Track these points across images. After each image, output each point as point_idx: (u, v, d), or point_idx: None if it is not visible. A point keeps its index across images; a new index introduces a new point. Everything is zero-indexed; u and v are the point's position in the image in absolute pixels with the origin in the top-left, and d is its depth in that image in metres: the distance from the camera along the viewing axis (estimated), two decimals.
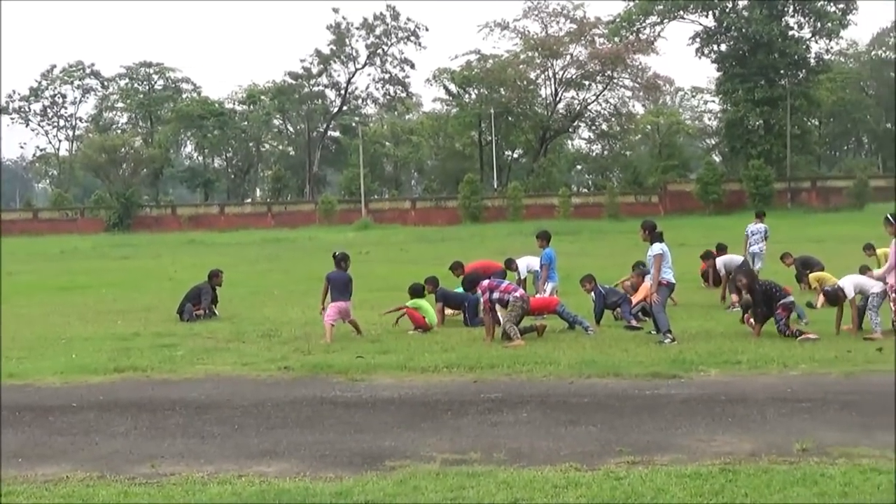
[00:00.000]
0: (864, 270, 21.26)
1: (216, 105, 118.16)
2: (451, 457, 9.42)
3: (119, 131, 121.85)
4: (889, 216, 17.54)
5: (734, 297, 23.07)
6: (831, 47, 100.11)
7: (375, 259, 45.08)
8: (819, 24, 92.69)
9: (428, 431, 10.59)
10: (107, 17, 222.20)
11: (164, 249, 58.88)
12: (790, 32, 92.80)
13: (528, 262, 23.54)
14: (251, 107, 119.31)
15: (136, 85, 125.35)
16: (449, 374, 14.01)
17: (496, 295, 17.51)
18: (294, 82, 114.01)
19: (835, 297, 17.52)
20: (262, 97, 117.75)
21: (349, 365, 14.71)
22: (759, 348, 15.46)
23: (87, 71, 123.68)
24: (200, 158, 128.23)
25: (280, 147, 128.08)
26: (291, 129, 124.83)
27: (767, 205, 79.88)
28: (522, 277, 23.04)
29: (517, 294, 17.59)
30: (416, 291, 19.70)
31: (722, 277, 23.86)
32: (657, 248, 17.19)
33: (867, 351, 14.92)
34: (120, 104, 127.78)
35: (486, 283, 17.92)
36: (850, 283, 17.46)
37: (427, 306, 19.49)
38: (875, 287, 17.21)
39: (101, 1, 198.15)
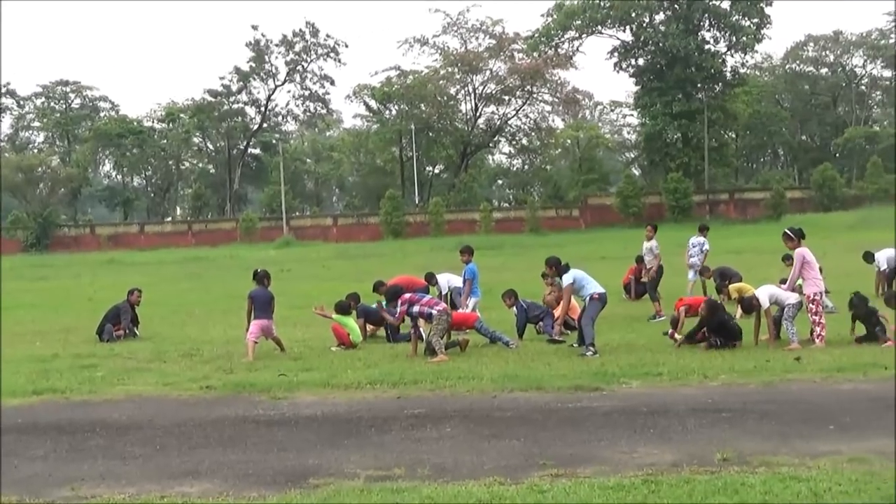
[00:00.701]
0: (783, 282, 21.57)
1: (135, 123, 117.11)
2: (375, 473, 9.39)
3: (36, 150, 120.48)
4: (788, 231, 17.88)
5: (656, 307, 23.34)
6: (746, 61, 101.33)
7: (297, 276, 44.90)
8: (734, 39, 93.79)
9: (351, 448, 10.55)
10: (22, 35, 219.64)
11: (84, 269, 58.19)
12: (706, 47, 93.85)
13: (448, 278, 23.60)
14: (170, 125, 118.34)
15: (52, 104, 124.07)
16: (372, 391, 13.98)
17: (416, 308, 17.51)
18: (213, 100, 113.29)
19: (749, 306, 17.76)
20: (182, 115, 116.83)
21: (272, 383, 14.64)
22: (679, 360, 15.60)
23: (3, 90, 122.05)
24: (119, 177, 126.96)
25: (200, 165, 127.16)
26: (211, 146, 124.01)
27: (686, 216, 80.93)
28: (444, 293, 23.07)
29: (439, 308, 17.63)
30: (343, 308, 19.67)
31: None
32: (567, 278, 17.48)
33: (785, 361, 15.10)
34: (36, 123, 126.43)
35: (407, 296, 17.92)
36: (765, 293, 17.69)
37: (352, 323, 19.48)
38: (790, 298, 17.46)
39: (16, 19, 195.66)
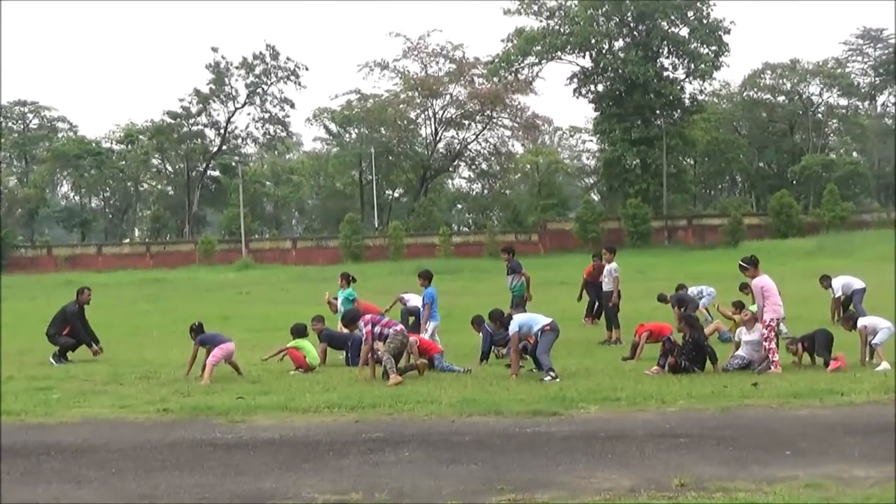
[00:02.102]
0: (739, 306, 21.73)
1: (93, 144, 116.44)
2: (333, 498, 9.36)
3: None
4: (743, 262, 18.02)
5: (608, 334, 23.40)
6: (705, 88, 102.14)
7: (256, 299, 44.81)
8: (693, 66, 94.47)
9: (309, 472, 10.52)
10: None
11: (40, 291, 57.69)
12: (665, 73, 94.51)
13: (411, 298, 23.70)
14: (129, 146, 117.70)
15: (10, 124, 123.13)
16: (330, 414, 13.94)
17: (377, 329, 17.51)
18: (173, 121, 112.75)
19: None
20: (141, 136, 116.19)
21: (229, 406, 14.57)
22: (637, 385, 15.65)
23: None
24: (77, 198, 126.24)
25: (159, 186, 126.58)
26: (170, 168, 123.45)
27: (645, 242, 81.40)
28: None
29: (396, 328, 17.64)
30: (298, 332, 19.59)
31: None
32: (512, 327, 17.72)
33: (742, 386, 15.17)
34: None
35: (367, 317, 17.92)
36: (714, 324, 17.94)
37: (309, 346, 19.41)
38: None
39: None
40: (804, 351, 17.81)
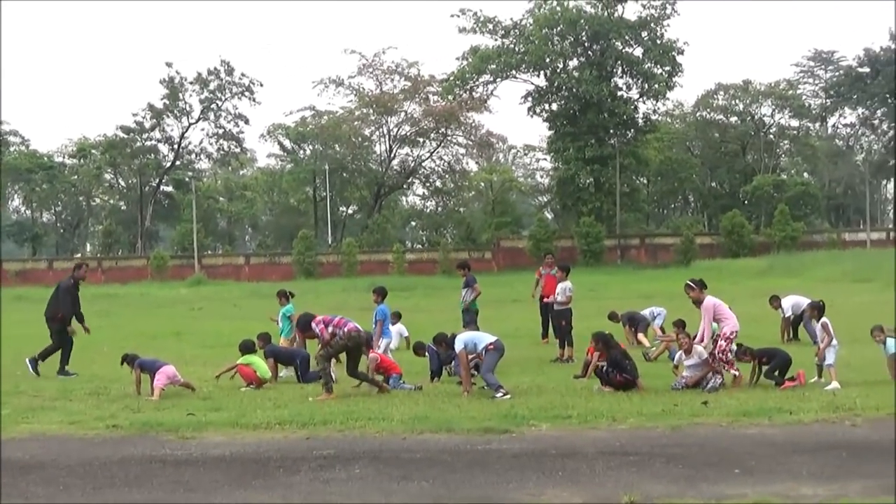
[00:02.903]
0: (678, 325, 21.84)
1: (45, 158, 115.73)
2: None
3: None
4: (689, 282, 18.10)
5: (560, 352, 23.43)
6: (658, 108, 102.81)
7: (208, 315, 44.62)
8: (646, 86, 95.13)
9: (259, 489, 10.48)
10: None
11: None
12: (619, 93, 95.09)
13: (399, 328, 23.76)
14: (81, 160, 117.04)
15: None
16: (281, 431, 13.88)
17: (330, 329, 17.43)
18: (126, 136, 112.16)
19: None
20: (93, 151, 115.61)
21: (180, 422, 14.47)
22: (589, 403, 15.67)
23: None
24: (28, 212, 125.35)
25: (111, 201, 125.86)
26: (123, 183, 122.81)
27: (598, 261, 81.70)
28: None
29: (346, 329, 17.52)
30: (247, 348, 19.50)
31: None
32: (458, 345, 17.76)
33: (693, 405, 15.23)
34: None
35: (320, 317, 17.82)
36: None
37: (259, 361, 19.33)
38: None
39: None
40: (760, 365, 17.89)
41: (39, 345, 22.63)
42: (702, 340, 17.58)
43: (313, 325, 17.73)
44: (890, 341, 17.73)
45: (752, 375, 17.91)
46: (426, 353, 20.06)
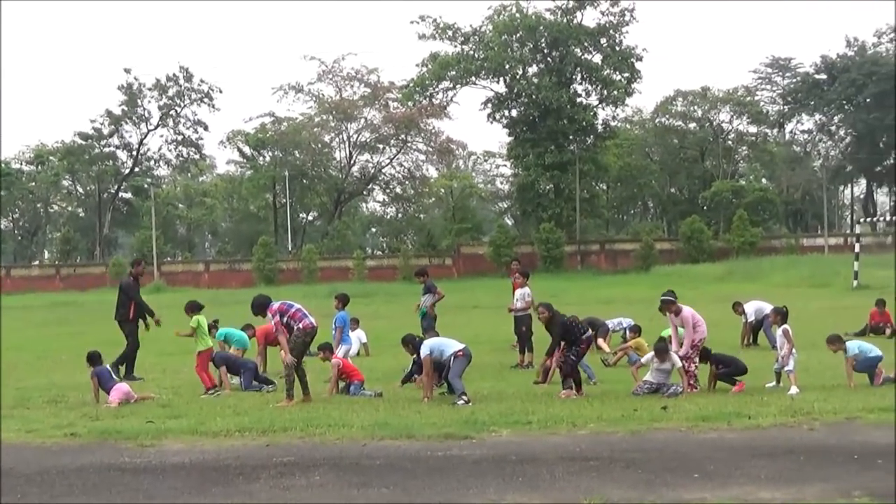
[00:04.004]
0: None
1: (2, 165, 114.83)
2: None
3: None
4: (667, 298, 18.26)
5: (521, 358, 23.46)
6: (617, 114, 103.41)
7: (168, 322, 44.33)
8: (605, 92, 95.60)
9: (219, 496, 10.43)
10: None
11: None
12: (578, 99, 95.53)
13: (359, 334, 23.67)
14: (39, 167, 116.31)
15: None
16: (241, 438, 13.82)
17: (285, 319, 17.30)
18: (84, 142, 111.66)
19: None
20: (51, 157, 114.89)
21: (139, 430, 14.38)
22: (549, 408, 15.69)
23: None
24: None
25: (69, 208, 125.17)
26: (81, 190, 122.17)
27: (558, 267, 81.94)
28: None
29: (301, 325, 17.32)
30: (192, 308, 19.56)
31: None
32: (424, 350, 17.63)
33: (653, 410, 15.27)
34: None
35: (276, 305, 17.56)
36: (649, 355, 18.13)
37: (203, 326, 19.58)
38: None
39: None
40: (716, 370, 17.98)
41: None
42: (692, 347, 17.75)
43: (269, 313, 17.56)
44: (850, 344, 17.91)
45: (711, 380, 18.01)
46: (412, 352, 19.49)
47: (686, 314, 17.97)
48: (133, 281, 22.36)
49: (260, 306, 17.88)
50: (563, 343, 17.80)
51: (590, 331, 18.16)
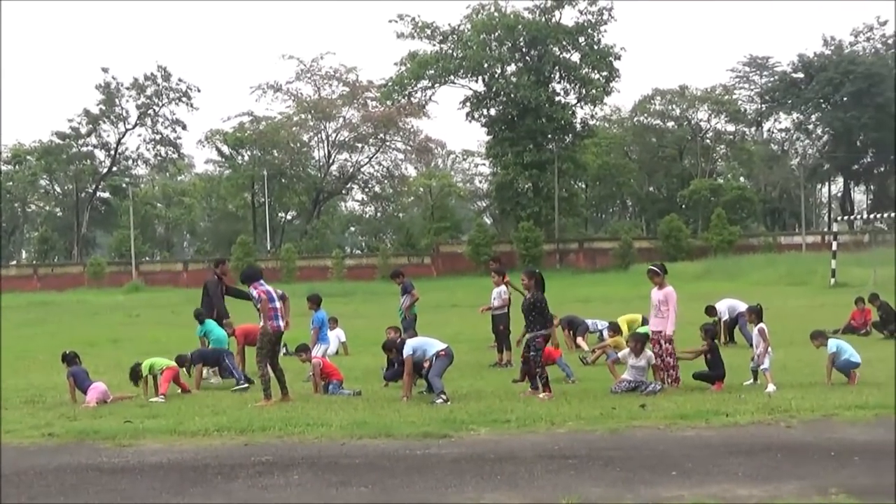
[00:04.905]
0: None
1: None
2: None
3: None
4: (656, 267, 18.32)
5: (499, 356, 23.47)
6: (596, 113, 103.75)
7: (146, 322, 44.29)
8: (584, 91, 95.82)
9: (197, 496, 10.41)
10: None
11: None
12: (557, 98, 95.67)
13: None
14: (16, 167, 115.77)
15: None
16: (219, 438, 13.79)
17: (258, 306, 17.25)
18: (62, 142, 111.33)
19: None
20: (28, 157, 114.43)
21: (117, 430, 14.33)
22: (527, 407, 15.70)
23: None
24: None
25: (47, 208, 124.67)
26: (59, 189, 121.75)
27: (537, 265, 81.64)
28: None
29: (270, 325, 17.20)
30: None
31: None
32: (406, 350, 17.58)
33: (631, 408, 15.30)
34: None
35: (263, 288, 17.32)
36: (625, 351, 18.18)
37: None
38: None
39: None
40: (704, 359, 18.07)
41: None
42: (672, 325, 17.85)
43: (253, 289, 17.39)
44: (831, 342, 17.99)
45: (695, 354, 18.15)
46: (397, 355, 19.43)
47: (670, 291, 18.00)
48: (217, 281, 22.32)
49: (251, 276, 17.73)
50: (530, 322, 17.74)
51: (549, 326, 18.03)
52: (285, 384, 17.45)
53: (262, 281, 17.60)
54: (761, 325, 17.85)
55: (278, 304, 17.47)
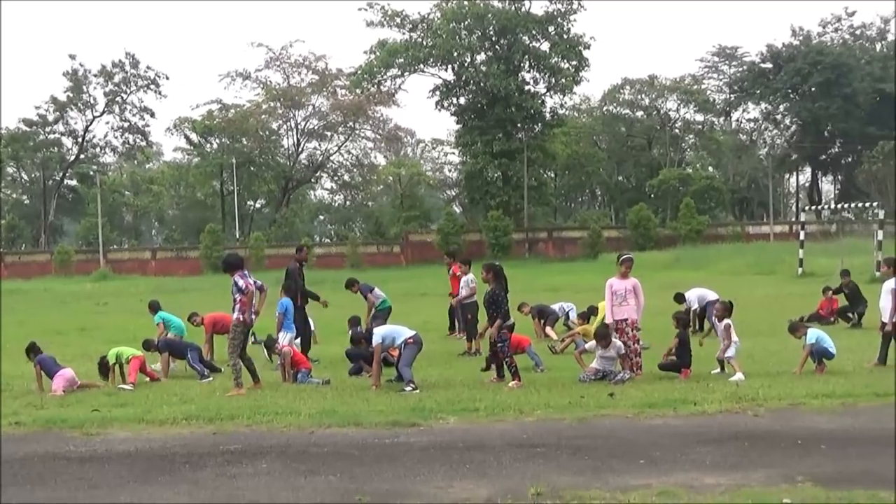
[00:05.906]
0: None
1: None
2: None
3: None
4: (629, 256, 18.43)
5: (468, 345, 23.51)
6: (565, 102, 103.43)
7: (114, 310, 44.11)
8: (554, 80, 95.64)
9: (165, 485, 10.39)
10: None
11: None
12: (526, 87, 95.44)
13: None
14: None
15: None
16: (188, 426, 13.77)
17: (237, 297, 17.19)
18: (29, 129, 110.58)
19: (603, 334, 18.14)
20: None
21: (84, 419, 14.28)
22: (496, 396, 15.73)
23: None
24: None
25: (14, 195, 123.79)
26: (26, 177, 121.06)
27: (506, 254, 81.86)
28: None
29: (243, 317, 17.18)
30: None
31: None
32: (375, 339, 17.64)
33: (599, 397, 15.35)
34: None
35: (243, 281, 17.28)
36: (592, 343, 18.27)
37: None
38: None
39: None
40: (667, 356, 18.13)
41: None
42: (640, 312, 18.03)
43: (238, 278, 17.29)
44: (811, 332, 18.11)
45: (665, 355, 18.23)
46: (367, 346, 19.34)
47: (636, 282, 18.16)
48: (298, 267, 22.35)
49: (234, 265, 17.57)
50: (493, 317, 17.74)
51: (512, 320, 18.02)
52: (255, 372, 17.44)
53: (245, 272, 17.55)
54: (727, 321, 17.92)
55: (252, 281, 17.49)
